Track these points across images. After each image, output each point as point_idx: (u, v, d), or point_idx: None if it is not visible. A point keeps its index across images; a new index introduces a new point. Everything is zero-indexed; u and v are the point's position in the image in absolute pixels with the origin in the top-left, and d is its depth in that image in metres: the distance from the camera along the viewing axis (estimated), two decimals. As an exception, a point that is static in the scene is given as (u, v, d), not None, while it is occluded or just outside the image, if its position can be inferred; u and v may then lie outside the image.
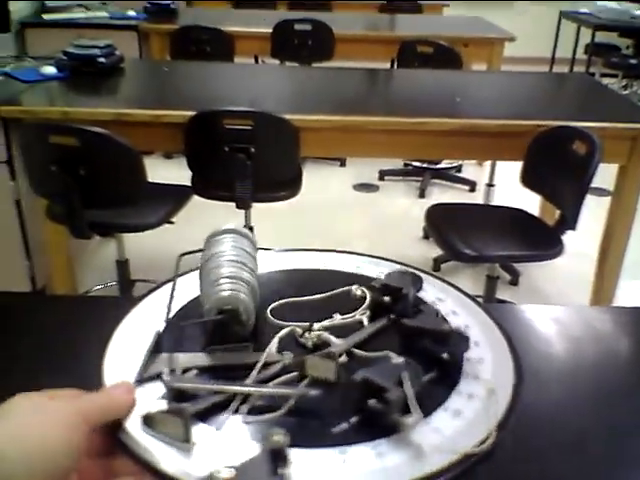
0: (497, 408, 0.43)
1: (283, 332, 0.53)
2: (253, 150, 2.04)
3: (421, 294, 0.57)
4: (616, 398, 0.83)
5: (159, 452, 0.41)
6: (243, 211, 2.36)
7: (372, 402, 0.40)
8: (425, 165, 4.09)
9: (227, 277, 0.54)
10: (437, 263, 3.03)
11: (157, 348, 0.52)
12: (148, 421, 0.43)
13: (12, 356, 0.85)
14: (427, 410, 0.43)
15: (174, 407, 0.44)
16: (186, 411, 0.43)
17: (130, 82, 2.67)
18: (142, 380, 0.48)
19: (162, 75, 2.82)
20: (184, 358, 0.51)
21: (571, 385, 0.86)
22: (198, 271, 0.57)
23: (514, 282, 2.92)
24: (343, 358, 0.49)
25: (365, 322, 0.53)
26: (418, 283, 0.56)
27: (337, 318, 0.54)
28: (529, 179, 2.20)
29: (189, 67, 3.01)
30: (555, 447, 0.75)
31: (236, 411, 0.45)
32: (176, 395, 0.46)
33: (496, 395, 0.42)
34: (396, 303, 0.52)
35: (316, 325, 0.52)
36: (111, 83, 2.55)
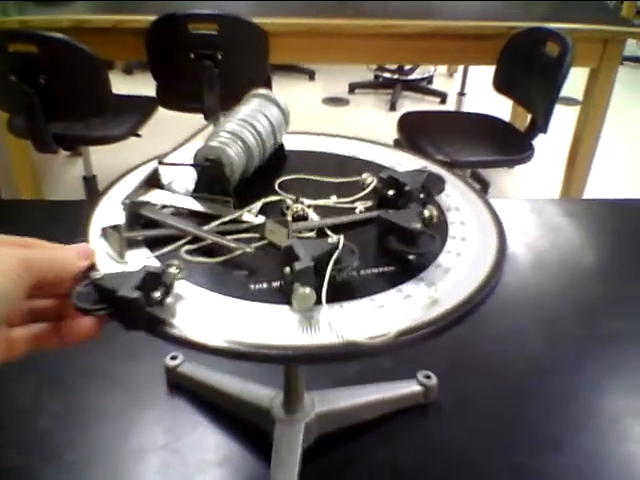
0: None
1: (271, 199, 0.52)
2: (220, 57, 1.97)
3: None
4: (590, 283, 0.86)
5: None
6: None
7: (286, 270, 0.41)
8: (396, 77, 4.02)
9: (225, 131, 0.54)
10: (408, 174, 3.03)
11: (148, 182, 0.53)
12: (103, 233, 0.48)
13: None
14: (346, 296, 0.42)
15: (116, 225, 0.47)
16: (121, 228, 0.46)
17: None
18: (132, 202, 0.50)
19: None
20: (165, 196, 0.53)
21: (546, 271, 0.88)
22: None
23: (484, 191, 2.95)
24: (312, 234, 0.48)
25: (359, 210, 0.52)
26: (438, 185, 0.54)
27: (332, 199, 0.53)
28: (501, 83, 2.18)
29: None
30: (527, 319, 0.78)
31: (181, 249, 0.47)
32: (134, 219, 0.49)
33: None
34: (399, 198, 0.51)
35: (307, 201, 0.52)
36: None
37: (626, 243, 0.95)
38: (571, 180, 2.43)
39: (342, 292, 0.42)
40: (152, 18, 1.91)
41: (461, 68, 3.56)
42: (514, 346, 0.74)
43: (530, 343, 0.75)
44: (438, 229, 0.49)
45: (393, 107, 3.82)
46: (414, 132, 2.23)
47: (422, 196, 0.52)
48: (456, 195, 0.56)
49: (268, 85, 2.27)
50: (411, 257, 0.45)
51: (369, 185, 0.54)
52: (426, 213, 0.48)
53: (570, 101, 3.40)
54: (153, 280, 0.40)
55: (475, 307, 0.41)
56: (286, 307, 0.41)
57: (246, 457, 0.60)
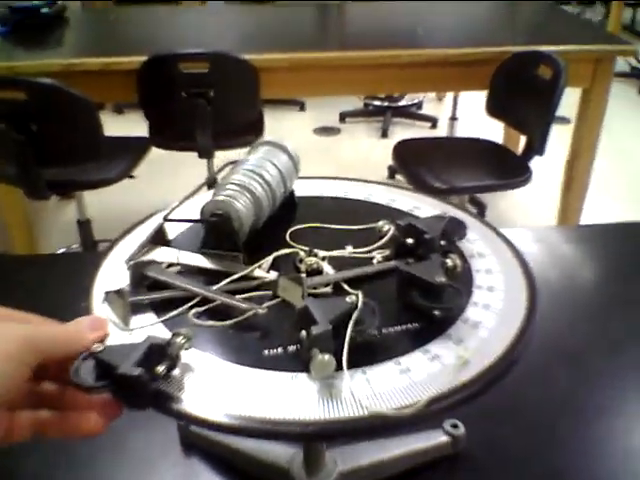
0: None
1: (282, 252, 0.49)
2: (212, 94, 1.96)
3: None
4: (606, 312, 0.83)
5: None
6: (205, 160, 2.28)
7: (303, 334, 0.37)
8: (386, 104, 4.03)
9: (232, 183, 0.51)
10: (405, 201, 3.01)
11: (152, 239, 0.51)
12: (106, 298, 0.45)
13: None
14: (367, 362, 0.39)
15: (119, 289, 0.44)
16: (124, 293, 0.43)
17: (76, 31, 2.53)
18: (132, 263, 0.47)
19: (109, 23, 2.67)
20: (171, 253, 0.50)
21: (560, 302, 0.85)
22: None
23: (481, 214, 2.93)
24: (327, 289, 0.45)
25: (376, 260, 0.49)
26: (459, 230, 0.52)
27: (348, 250, 0.50)
28: (494, 108, 2.18)
29: (135, 12, 2.86)
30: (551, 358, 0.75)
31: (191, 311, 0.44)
32: (139, 281, 0.46)
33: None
34: (419, 246, 0.48)
35: (321, 252, 0.49)
36: (57, 34, 2.41)
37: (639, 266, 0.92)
38: (568, 200, 2.42)
39: (364, 355, 0.39)
40: (141, 59, 1.90)
41: (452, 93, 3.57)
42: (542, 387, 0.71)
43: (558, 382, 0.71)
44: (462, 279, 0.46)
45: (385, 134, 3.82)
46: (410, 160, 2.21)
47: (443, 243, 0.49)
48: (478, 240, 0.53)
49: (260, 120, 2.26)
50: (436, 312, 0.42)
51: (386, 233, 0.51)
52: (449, 263, 0.45)
53: (563, 120, 3.40)
54: (157, 353, 0.37)
55: (510, 365, 0.38)
56: (304, 375, 0.37)
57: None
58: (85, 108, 1.74)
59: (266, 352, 0.40)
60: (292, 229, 0.54)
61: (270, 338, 0.41)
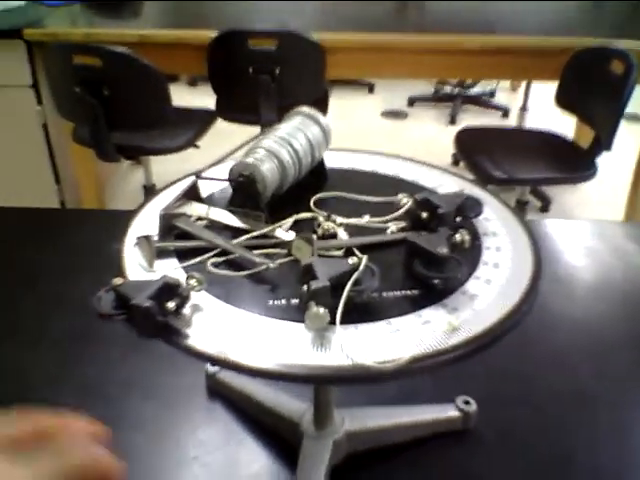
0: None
1: (303, 215, 0.53)
2: (278, 72, 1.99)
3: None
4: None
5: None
6: (269, 135, 2.33)
7: (304, 289, 0.41)
8: (456, 90, 3.97)
9: (262, 148, 0.55)
10: (466, 190, 2.98)
11: (186, 194, 0.55)
12: (136, 242, 0.50)
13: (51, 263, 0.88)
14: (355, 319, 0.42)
15: (148, 235, 0.49)
16: (151, 238, 0.48)
17: (152, 4, 2.62)
18: (166, 214, 0.52)
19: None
20: (201, 208, 0.54)
21: (598, 295, 0.85)
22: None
23: (545, 208, 2.87)
24: (339, 252, 0.48)
25: (390, 230, 0.52)
26: (475, 208, 0.53)
27: (365, 219, 0.53)
28: (564, 99, 2.13)
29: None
30: (576, 348, 0.75)
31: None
32: (167, 230, 0.51)
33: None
34: (432, 220, 0.51)
35: (339, 219, 0.52)
36: (134, 5, 2.50)
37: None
38: (636, 199, 2.34)
39: (359, 314, 0.41)
40: (212, 34, 1.96)
41: (524, 83, 3.49)
42: (559, 376, 0.72)
43: (576, 374, 0.72)
44: (470, 254, 0.48)
45: (453, 121, 3.78)
46: (472, 148, 2.20)
47: (458, 219, 0.51)
48: (495, 220, 0.54)
49: (325, 99, 2.29)
50: (436, 282, 0.44)
51: (404, 206, 0.54)
52: (457, 237, 0.47)
53: (634, 118, 3.28)
54: (170, 290, 0.41)
55: (497, 338, 0.40)
56: (301, 325, 0.41)
57: (274, 473, 0.60)
58: (155, 78, 1.81)
59: (270, 302, 0.43)
60: (317, 196, 0.57)
61: (277, 291, 0.44)
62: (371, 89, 4.18)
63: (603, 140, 1.92)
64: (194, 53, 2.04)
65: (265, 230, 0.50)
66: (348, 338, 0.39)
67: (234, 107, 2.21)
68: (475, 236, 0.51)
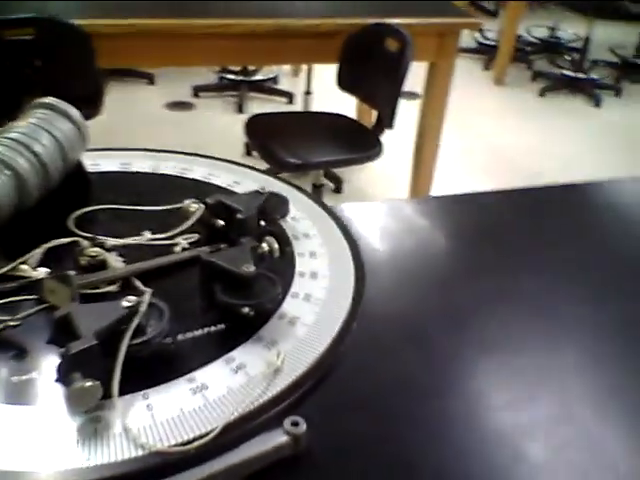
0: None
1: (58, 241, 0.39)
2: (39, 63, 1.76)
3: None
4: (455, 283, 0.81)
5: None
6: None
7: (61, 353, 0.29)
8: (240, 78, 3.91)
9: None
10: (262, 178, 2.93)
11: None
12: None
13: None
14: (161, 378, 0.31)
15: None
16: None
17: None
18: None
19: None
20: None
21: (409, 276, 0.81)
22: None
23: (338, 189, 2.92)
24: (115, 287, 0.36)
25: (181, 247, 0.41)
26: (280, 207, 0.44)
27: (145, 236, 0.41)
28: (345, 81, 2.15)
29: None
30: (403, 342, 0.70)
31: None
32: None
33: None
34: (231, 229, 0.40)
35: (110, 241, 0.40)
36: None
37: (486, 237, 0.91)
38: (419, 173, 2.46)
39: (147, 375, 0.30)
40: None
41: (305, 67, 3.52)
42: (385, 371, 0.66)
43: (402, 365, 0.67)
44: (282, 266, 0.39)
45: (241, 109, 3.71)
46: (263, 136, 2.14)
47: (263, 223, 0.42)
48: (304, 219, 0.46)
49: (99, 92, 2.08)
50: (244, 310, 0.35)
51: (193, 214, 0.43)
52: (264, 247, 0.38)
53: (413, 95, 3.47)
54: None
55: (331, 366, 0.32)
56: (63, 408, 0.28)
57: None
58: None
59: (15, 379, 0.30)
60: (77, 213, 0.44)
61: (24, 361, 0.31)
62: (151, 80, 3.95)
63: (385, 119, 1.97)
64: None
65: (3, 270, 0.36)
66: (134, 415, 0.28)
67: (-9, 107, 1.91)
68: (285, 242, 0.42)
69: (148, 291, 0.32)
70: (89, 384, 0.27)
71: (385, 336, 0.71)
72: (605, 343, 0.70)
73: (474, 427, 0.59)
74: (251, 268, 0.35)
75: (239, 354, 0.32)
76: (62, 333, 0.29)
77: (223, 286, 0.34)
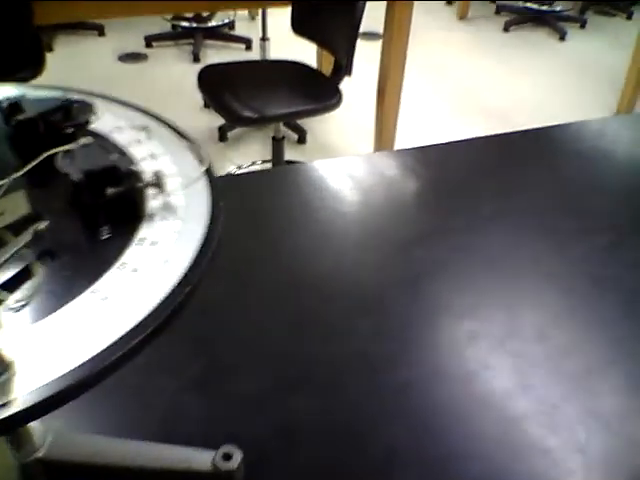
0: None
1: None
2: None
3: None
4: (413, 243, 0.76)
5: None
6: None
7: None
8: (195, 25, 3.75)
9: None
10: (223, 132, 2.84)
11: None
12: None
13: None
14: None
15: None
16: None
17: None
18: None
19: None
20: None
21: (365, 236, 0.77)
22: None
23: (302, 140, 2.85)
24: None
25: None
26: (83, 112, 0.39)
27: None
28: (299, 25, 2.05)
29: None
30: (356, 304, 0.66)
31: None
32: None
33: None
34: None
35: None
36: None
37: (452, 192, 0.87)
38: (383, 116, 2.39)
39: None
40: None
41: (261, 11, 3.38)
42: (341, 345, 0.62)
43: (355, 335, 0.63)
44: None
45: (197, 58, 3.57)
46: (217, 88, 2.04)
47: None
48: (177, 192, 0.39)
49: (38, 46, 1.96)
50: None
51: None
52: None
53: (374, 36, 3.36)
54: None
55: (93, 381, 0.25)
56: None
57: None
58: None
59: None
60: None
61: None
62: (101, 32, 3.78)
63: (343, 65, 1.89)
64: None
65: None
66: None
67: None
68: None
69: None
70: None
71: (338, 307, 0.67)
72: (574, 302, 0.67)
73: (429, 397, 0.56)
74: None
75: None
76: None
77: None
